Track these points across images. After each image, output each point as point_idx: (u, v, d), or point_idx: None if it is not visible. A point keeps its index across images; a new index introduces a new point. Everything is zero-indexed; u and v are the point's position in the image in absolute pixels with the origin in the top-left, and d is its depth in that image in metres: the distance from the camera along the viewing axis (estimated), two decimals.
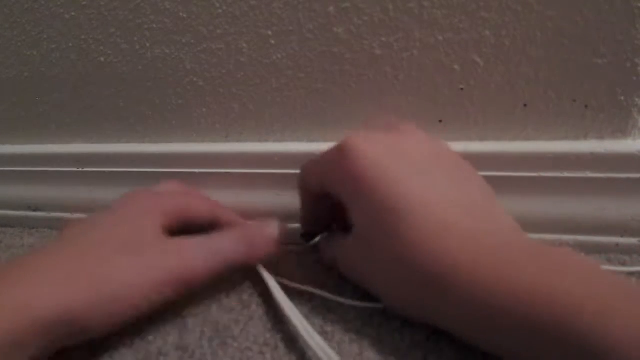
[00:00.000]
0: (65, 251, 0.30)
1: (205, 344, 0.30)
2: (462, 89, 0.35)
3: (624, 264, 0.33)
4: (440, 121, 0.37)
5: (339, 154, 0.29)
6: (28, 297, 0.26)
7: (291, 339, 0.30)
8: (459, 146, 0.36)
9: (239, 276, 0.37)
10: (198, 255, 0.31)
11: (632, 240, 0.34)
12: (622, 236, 0.34)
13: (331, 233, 0.36)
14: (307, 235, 0.37)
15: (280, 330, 0.31)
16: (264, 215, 0.42)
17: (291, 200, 0.41)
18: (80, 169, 0.48)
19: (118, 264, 0.29)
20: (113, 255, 0.30)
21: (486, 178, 0.35)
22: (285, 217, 0.41)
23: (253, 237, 0.34)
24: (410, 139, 0.31)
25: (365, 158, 0.28)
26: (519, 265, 0.24)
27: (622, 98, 0.33)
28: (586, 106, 0.34)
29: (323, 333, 0.30)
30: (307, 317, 0.31)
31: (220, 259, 0.32)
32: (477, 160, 0.35)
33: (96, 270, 0.29)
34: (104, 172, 0.46)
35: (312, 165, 0.33)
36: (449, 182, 0.29)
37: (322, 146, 0.39)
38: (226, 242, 0.33)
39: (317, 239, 0.37)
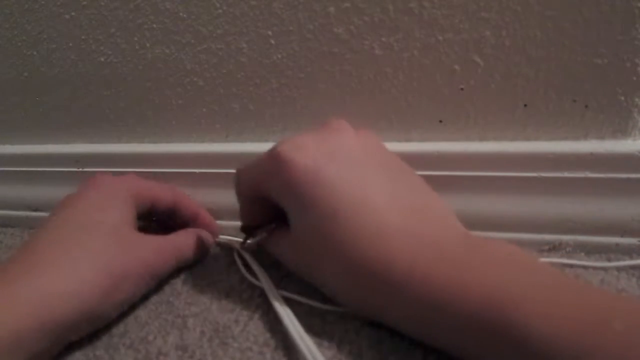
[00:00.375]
0: (66, 241, 0.31)
1: (205, 344, 0.30)
2: (462, 89, 0.35)
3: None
4: (441, 121, 0.37)
5: (272, 163, 0.29)
6: (46, 295, 0.27)
7: (291, 339, 0.30)
8: (459, 146, 0.36)
9: (238, 277, 0.37)
10: (170, 254, 0.36)
11: (632, 240, 0.34)
12: (622, 236, 0.34)
13: (272, 228, 0.35)
14: (247, 228, 0.37)
15: (280, 331, 0.31)
16: None
17: None
18: (80, 169, 0.48)
19: (114, 254, 0.32)
20: (110, 245, 0.32)
21: (486, 178, 0.36)
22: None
23: (205, 238, 0.40)
24: (340, 137, 0.31)
25: (297, 167, 0.28)
26: (454, 261, 0.24)
27: (622, 98, 0.33)
28: (586, 106, 0.34)
29: (322, 333, 0.30)
30: (305, 317, 0.31)
31: (183, 258, 0.37)
32: (477, 160, 0.36)
33: (100, 259, 0.31)
34: (104, 172, 0.46)
35: (247, 172, 0.34)
36: (383, 178, 0.29)
37: None
38: (189, 242, 0.38)
39: (257, 237, 0.37)
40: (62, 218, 0.34)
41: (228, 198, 0.42)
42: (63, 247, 0.31)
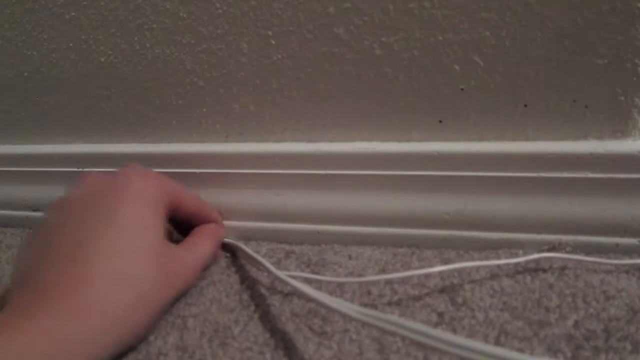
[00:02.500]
0: (103, 267, 0.29)
1: (205, 344, 0.30)
2: (462, 89, 0.35)
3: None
4: (440, 121, 0.37)
5: None
6: (93, 332, 0.27)
7: (291, 339, 0.30)
8: (459, 146, 0.36)
9: (238, 277, 0.37)
10: (198, 273, 0.36)
11: (633, 241, 0.34)
12: (622, 236, 0.34)
13: None
14: None
15: (280, 330, 0.31)
16: (264, 215, 0.42)
17: (291, 200, 0.41)
18: (80, 169, 0.48)
19: (156, 288, 0.31)
20: (150, 276, 0.30)
21: (486, 178, 0.36)
22: (285, 217, 0.41)
23: (220, 238, 0.40)
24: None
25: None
26: None
27: (622, 98, 0.33)
28: (586, 106, 0.34)
29: (322, 334, 0.30)
30: (305, 316, 0.31)
31: (204, 265, 0.37)
32: (477, 161, 0.36)
33: (143, 295, 0.30)
34: (104, 172, 0.46)
35: None
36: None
37: (322, 146, 0.39)
38: (211, 250, 0.38)
39: None
40: (88, 235, 0.30)
41: (228, 198, 0.42)
42: (103, 278, 0.28)
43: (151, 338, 0.31)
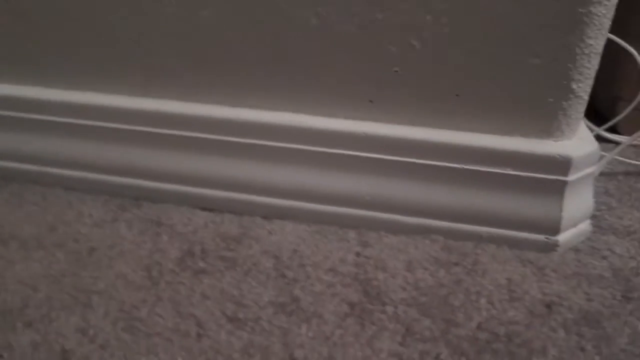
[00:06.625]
0: None
1: (108, 327, 0.29)
2: (396, 71, 0.34)
3: (531, 260, 0.35)
4: (371, 101, 0.35)
5: None
6: None
7: (201, 325, 0.29)
8: (387, 129, 0.35)
9: (149, 246, 0.35)
10: None
11: (540, 237, 0.35)
12: (533, 232, 0.35)
13: None
14: None
15: (190, 315, 0.30)
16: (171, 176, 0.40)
17: (207, 166, 0.39)
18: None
19: None
20: None
21: (412, 165, 0.35)
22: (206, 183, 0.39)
23: None
24: None
25: None
26: None
27: (551, 100, 0.33)
28: (515, 103, 0.33)
29: (235, 320, 0.29)
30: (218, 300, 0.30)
31: None
32: (405, 146, 0.35)
33: None
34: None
35: None
36: None
37: (244, 113, 0.37)
38: None
39: None
40: None
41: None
42: None
43: (53, 315, 0.30)
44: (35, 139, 0.42)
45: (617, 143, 0.45)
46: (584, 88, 0.33)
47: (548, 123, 0.34)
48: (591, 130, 0.46)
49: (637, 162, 0.46)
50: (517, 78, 0.32)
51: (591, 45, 0.31)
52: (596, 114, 0.52)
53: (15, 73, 0.41)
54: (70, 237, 0.36)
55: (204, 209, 0.40)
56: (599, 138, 0.46)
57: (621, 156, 0.45)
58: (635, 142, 0.44)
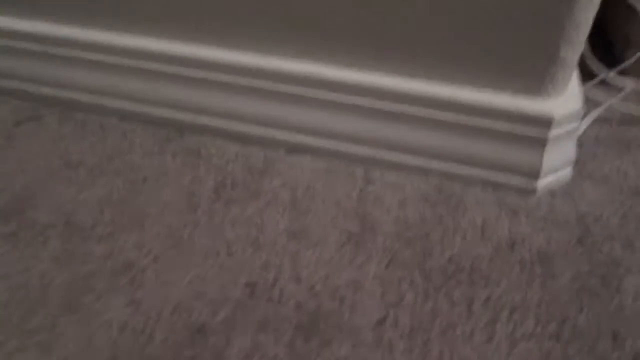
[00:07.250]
0: None
1: (159, 245, 0.38)
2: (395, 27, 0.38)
3: (508, 203, 0.40)
4: (375, 55, 0.40)
5: None
6: None
7: (230, 246, 0.37)
8: (388, 81, 0.40)
9: (188, 177, 0.43)
10: None
11: (522, 182, 0.40)
12: (515, 177, 0.40)
13: None
14: None
15: (221, 237, 0.38)
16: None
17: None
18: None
19: None
20: None
21: (411, 114, 0.40)
22: None
23: None
24: None
25: None
26: None
27: (539, 65, 0.36)
28: (504, 63, 0.36)
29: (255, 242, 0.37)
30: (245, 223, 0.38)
31: None
32: (404, 97, 0.40)
33: None
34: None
35: None
36: None
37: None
38: None
39: None
40: None
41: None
42: None
43: (116, 235, 0.38)
44: (97, 75, 0.48)
45: (620, 89, 0.47)
46: (571, 56, 0.36)
47: (534, 83, 0.37)
48: (597, 74, 0.49)
49: (633, 112, 0.48)
50: (505, 42, 0.35)
51: (580, 17, 0.33)
52: (608, 53, 0.53)
53: (84, 16, 0.46)
54: (127, 166, 0.44)
55: (235, 140, 0.46)
56: (603, 83, 0.49)
57: (625, 101, 0.47)
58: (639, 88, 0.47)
